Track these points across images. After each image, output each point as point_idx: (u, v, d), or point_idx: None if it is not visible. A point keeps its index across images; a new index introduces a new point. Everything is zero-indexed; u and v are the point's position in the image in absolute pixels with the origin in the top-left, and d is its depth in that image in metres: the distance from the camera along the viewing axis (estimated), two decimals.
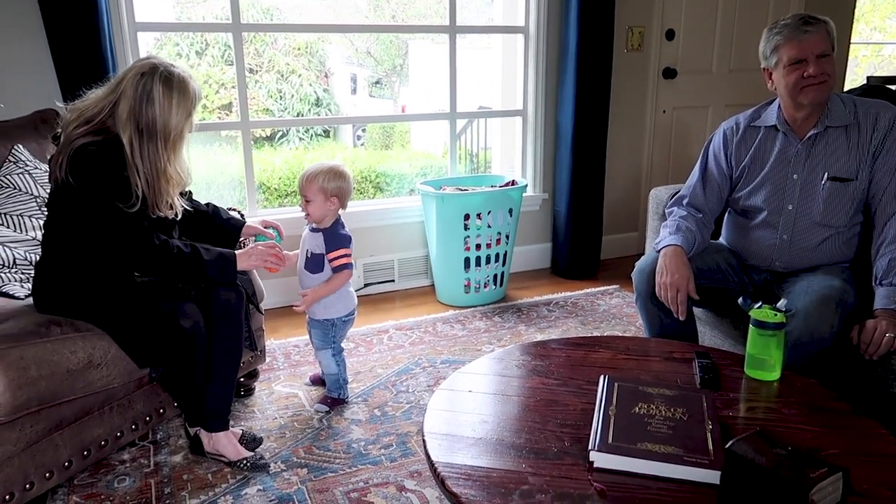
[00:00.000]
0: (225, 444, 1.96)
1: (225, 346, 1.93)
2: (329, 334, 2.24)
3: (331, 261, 2.15)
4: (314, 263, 2.17)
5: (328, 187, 2.12)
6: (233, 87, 2.80)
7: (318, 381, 2.43)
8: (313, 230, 2.19)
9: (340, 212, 2.21)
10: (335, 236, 2.16)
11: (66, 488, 1.86)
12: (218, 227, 2.12)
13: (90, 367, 1.74)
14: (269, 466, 1.95)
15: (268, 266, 1.99)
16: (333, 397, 2.29)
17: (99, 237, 1.77)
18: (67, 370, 1.69)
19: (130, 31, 2.79)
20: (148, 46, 9.87)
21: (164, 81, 1.76)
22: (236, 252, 1.95)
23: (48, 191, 1.87)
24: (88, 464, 1.86)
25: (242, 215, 2.82)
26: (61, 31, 2.52)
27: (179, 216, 1.91)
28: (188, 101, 1.81)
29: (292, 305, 2.18)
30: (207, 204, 2.15)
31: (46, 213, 1.88)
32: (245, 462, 1.94)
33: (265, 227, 2.20)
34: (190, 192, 2.11)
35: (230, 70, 9.21)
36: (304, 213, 2.18)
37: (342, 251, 2.15)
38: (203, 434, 1.98)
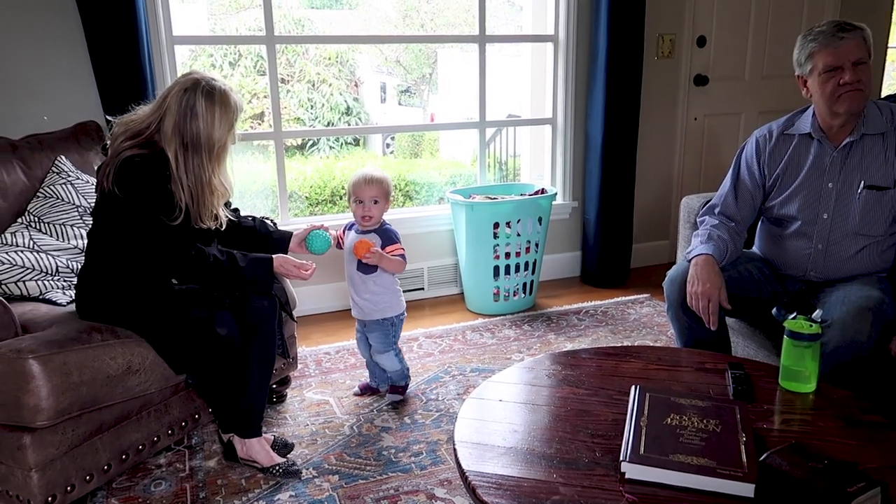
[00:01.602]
0: (258, 450, 1.99)
1: (259, 353, 1.96)
2: (389, 335, 2.32)
3: (392, 254, 2.22)
4: (366, 265, 2.23)
5: (389, 189, 2.24)
6: (265, 96, 2.87)
7: (367, 390, 2.46)
8: (362, 233, 2.25)
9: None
10: (390, 233, 2.26)
11: (104, 491, 1.91)
12: (266, 240, 2.16)
13: (129, 373, 1.79)
14: (302, 473, 1.98)
15: (298, 275, 2.02)
16: (402, 386, 2.41)
17: (138, 246, 1.82)
18: (107, 376, 1.74)
19: (168, 44, 2.87)
20: (183, 58, 10.10)
21: (207, 95, 1.82)
22: (273, 256, 1.98)
23: (91, 200, 1.93)
24: (126, 467, 1.91)
25: (275, 223, 2.87)
26: (102, 44, 2.60)
27: (224, 227, 1.95)
28: (230, 114, 1.86)
29: (366, 256, 2.17)
30: (253, 218, 2.20)
31: (91, 222, 1.94)
32: (277, 468, 1.97)
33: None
34: (237, 210, 2.16)
35: (262, 80, 9.36)
36: (362, 217, 2.22)
37: (399, 245, 2.26)
38: (236, 440, 2.01)
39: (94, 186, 2.05)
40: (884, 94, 4.40)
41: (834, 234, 1.96)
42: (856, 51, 1.82)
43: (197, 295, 1.95)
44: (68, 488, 1.73)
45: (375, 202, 2.20)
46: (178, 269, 1.87)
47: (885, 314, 1.78)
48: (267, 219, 2.36)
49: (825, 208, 1.96)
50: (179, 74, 2.94)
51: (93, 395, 1.71)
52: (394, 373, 2.38)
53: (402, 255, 2.25)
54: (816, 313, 1.60)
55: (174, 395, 1.99)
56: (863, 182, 1.90)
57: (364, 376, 2.54)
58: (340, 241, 2.31)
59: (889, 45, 4.43)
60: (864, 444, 1.35)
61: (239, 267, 1.90)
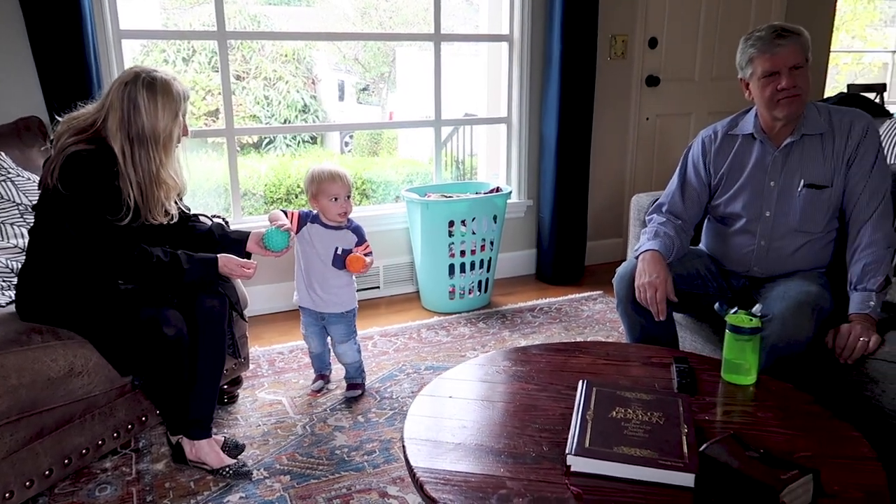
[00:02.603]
0: (207, 451, 1.96)
1: (208, 353, 1.93)
2: (351, 325, 2.36)
3: (364, 252, 2.29)
4: (342, 258, 2.26)
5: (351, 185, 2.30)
6: (219, 93, 2.81)
7: (320, 379, 2.50)
8: (335, 228, 2.28)
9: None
10: (360, 231, 2.33)
11: (46, 497, 1.86)
12: (223, 242, 2.13)
13: (71, 375, 1.74)
14: (252, 474, 1.96)
15: (241, 273, 1.99)
16: (360, 382, 2.44)
17: (81, 245, 1.78)
18: (48, 378, 1.69)
19: (115, 38, 2.79)
20: (133, 53, 9.84)
21: (148, 87, 1.80)
22: (218, 256, 1.95)
23: (32, 198, 1.88)
24: (69, 472, 1.86)
25: (227, 222, 2.83)
26: (45, 38, 2.52)
27: (175, 219, 1.94)
28: (174, 103, 1.84)
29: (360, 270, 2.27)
30: (211, 218, 2.17)
31: (33, 219, 1.88)
32: (227, 470, 1.94)
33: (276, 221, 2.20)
34: (195, 217, 2.14)
35: (217, 76, 9.19)
36: (340, 214, 2.26)
37: (368, 243, 2.34)
38: (185, 442, 1.97)
39: (36, 184, 1.99)
40: (826, 95, 4.55)
41: (776, 232, 2.02)
42: (792, 56, 1.87)
43: (143, 294, 1.91)
44: (7, 495, 1.68)
45: (348, 197, 2.26)
46: (120, 269, 1.83)
47: (824, 309, 1.84)
48: (217, 216, 2.33)
49: (767, 206, 2.02)
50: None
51: (32, 399, 1.66)
52: (352, 365, 2.41)
53: (371, 252, 2.32)
54: (756, 308, 1.64)
55: (120, 397, 1.94)
56: (803, 181, 1.97)
57: (313, 377, 2.53)
58: (293, 228, 2.27)
59: (831, 48, 4.58)
60: (800, 433, 1.40)
61: (182, 268, 1.87)
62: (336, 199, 2.23)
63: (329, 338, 2.42)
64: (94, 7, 2.63)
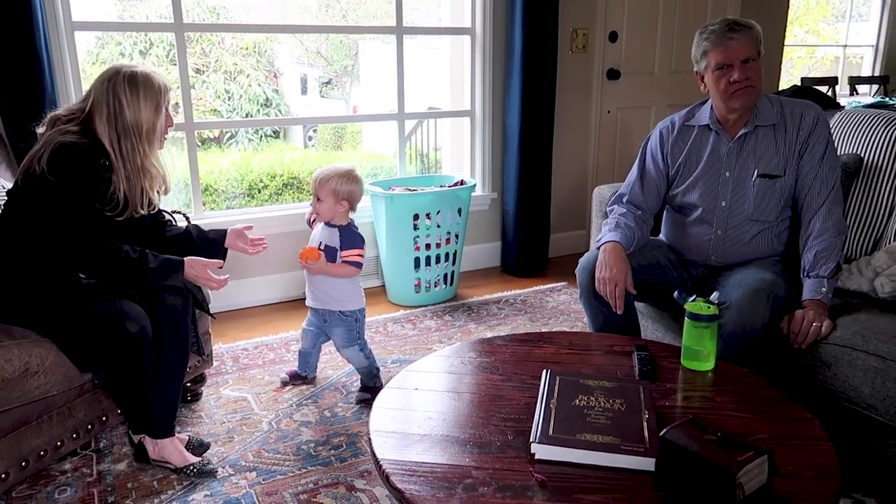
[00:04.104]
0: (171, 450, 1.93)
1: (171, 350, 1.90)
2: (353, 330, 2.30)
3: (344, 258, 2.23)
4: (327, 255, 2.22)
5: (340, 190, 2.21)
6: (178, 87, 2.75)
7: (294, 378, 2.47)
8: (329, 226, 2.26)
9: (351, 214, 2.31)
10: (351, 236, 2.25)
11: (3, 500, 1.81)
12: (201, 242, 2.14)
13: (27, 375, 1.70)
14: (217, 472, 1.93)
15: (207, 284, 1.99)
16: (373, 386, 2.35)
17: (51, 231, 1.77)
18: (2, 379, 1.64)
19: (67, 30, 2.72)
20: (88, 46, 9.60)
21: (129, 81, 1.85)
22: (185, 259, 1.93)
23: None
24: (27, 475, 1.81)
25: (188, 218, 2.79)
26: None
27: (157, 209, 1.99)
28: (155, 94, 1.88)
29: (302, 264, 2.21)
30: (188, 226, 2.18)
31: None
32: (192, 468, 1.92)
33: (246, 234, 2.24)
34: (170, 221, 2.15)
35: (175, 70, 9.02)
36: (313, 212, 2.29)
37: (356, 250, 2.24)
38: (148, 441, 1.94)
39: None
40: (780, 88, 4.66)
41: (732, 221, 2.07)
42: (744, 50, 1.92)
43: (103, 289, 1.87)
44: None
45: (319, 200, 2.23)
46: (87, 260, 1.81)
47: (779, 296, 1.90)
48: (178, 212, 2.29)
49: (723, 196, 2.07)
50: (81, 62, 2.80)
51: None
52: (362, 369, 2.35)
53: (355, 262, 2.23)
54: (714, 295, 1.69)
55: (79, 397, 1.90)
56: (756, 171, 2.02)
57: (289, 368, 2.52)
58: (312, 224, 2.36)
59: (785, 42, 4.70)
60: (756, 416, 1.44)
61: (147, 267, 1.85)
62: (317, 198, 2.24)
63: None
64: None
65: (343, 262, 2.23)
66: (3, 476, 1.72)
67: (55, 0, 2.65)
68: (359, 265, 2.24)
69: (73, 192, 1.77)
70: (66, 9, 2.71)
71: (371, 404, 2.21)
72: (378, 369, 2.38)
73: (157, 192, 1.97)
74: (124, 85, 1.83)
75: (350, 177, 2.23)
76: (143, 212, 1.90)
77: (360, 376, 2.39)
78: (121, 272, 1.83)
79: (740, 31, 1.92)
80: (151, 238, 2.03)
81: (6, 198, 1.89)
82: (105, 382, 1.92)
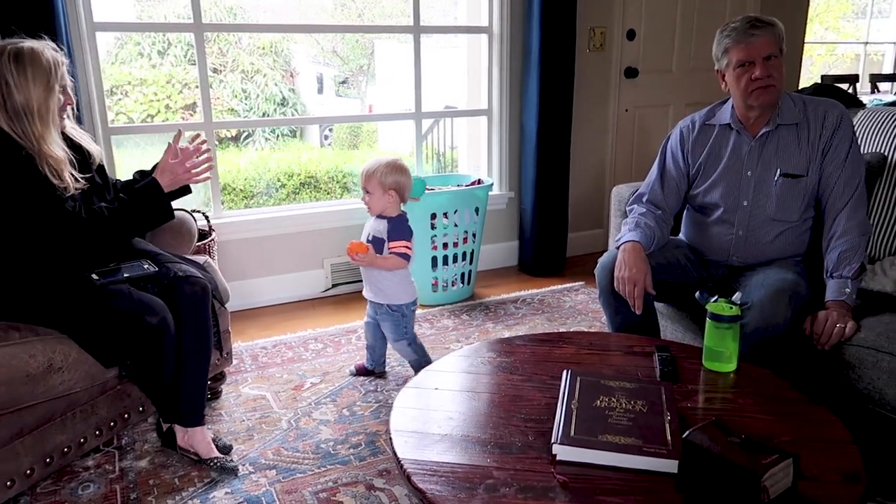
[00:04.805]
0: (200, 439, 1.96)
1: (194, 339, 1.93)
2: (400, 325, 2.31)
3: (392, 249, 2.24)
4: (374, 246, 2.24)
5: (386, 182, 2.23)
6: (196, 86, 2.77)
7: (362, 371, 2.50)
8: (379, 217, 2.29)
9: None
10: (399, 228, 2.26)
11: (28, 496, 1.84)
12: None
13: (51, 371, 1.72)
14: (238, 470, 1.95)
15: (196, 175, 1.95)
16: None
17: (31, 230, 1.77)
18: (27, 375, 1.67)
19: (89, 30, 2.75)
20: (108, 46, 9.69)
21: (14, 59, 1.75)
22: (153, 177, 1.93)
23: None
24: (51, 471, 1.84)
25: (207, 217, 2.81)
26: (15, 29, 2.46)
27: (83, 188, 1.88)
28: (43, 72, 1.78)
29: (351, 258, 2.20)
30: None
31: None
32: (215, 461, 1.93)
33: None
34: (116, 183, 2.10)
35: (193, 70, 9.07)
36: (366, 207, 2.29)
37: (404, 242, 2.25)
38: (178, 428, 1.98)
39: None
40: (801, 86, 4.61)
41: (753, 221, 2.05)
42: (766, 47, 1.90)
43: (123, 286, 1.89)
44: None
45: (368, 194, 2.25)
46: (79, 236, 1.80)
47: (801, 296, 1.88)
48: (196, 211, 2.31)
49: (745, 196, 2.05)
50: (102, 63, 2.83)
51: (11, 396, 1.64)
52: (412, 363, 2.38)
53: (403, 254, 2.24)
54: (736, 296, 1.67)
55: (102, 394, 1.92)
56: (779, 170, 2.00)
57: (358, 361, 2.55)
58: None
59: (805, 39, 4.65)
60: (779, 418, 1.43)
61: (132, 204, 1.86)
62: (366, 192, 2.27)
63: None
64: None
65: (390, 253, 2.23)
66: (28, 472, 1.75)
67: (77, 1, 2.68)
68: (406, 257, 2.25)
69: (20, 195, 1.73)
70: (88, 10, 2.73)
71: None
72: (429, 362, 2.33)
73: (72, 173, 1.84)
74: (10, 64, 1.73)
75: (395, 167, 2.25)
76: (74, 189, 1.81)
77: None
78: (114, 228, 1.83)
79: (762, 29, 1.90)
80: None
81: None
82: (132, 374, 1.93)
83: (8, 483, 1.70)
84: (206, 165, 1.98)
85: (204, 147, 2.03)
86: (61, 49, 1.87)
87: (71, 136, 1.97)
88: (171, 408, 1.97)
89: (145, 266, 1.94)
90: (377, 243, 2.25)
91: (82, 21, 2.71)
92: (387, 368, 2.55)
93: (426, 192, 3.15)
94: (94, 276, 1.85)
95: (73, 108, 1.96)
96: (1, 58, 1.74)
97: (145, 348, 1.83)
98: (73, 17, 2.66)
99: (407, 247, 2.25)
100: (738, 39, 1.92)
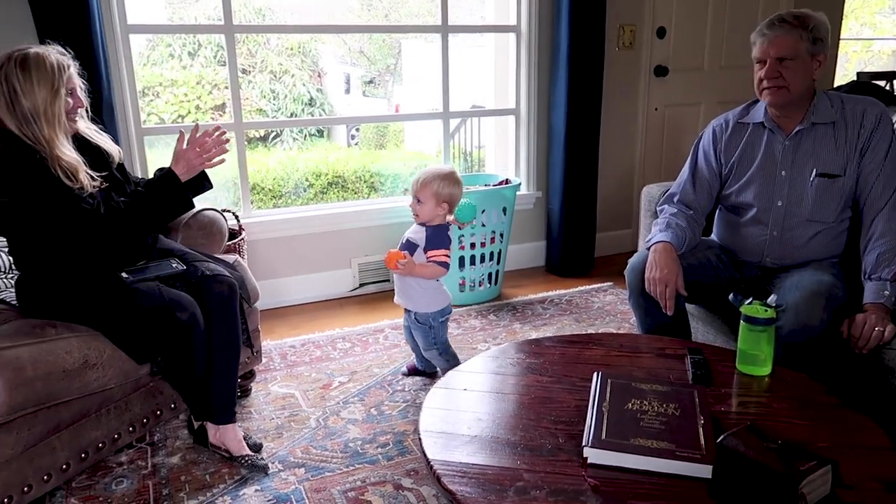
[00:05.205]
0: (231, 437, 1.98)
1: (223, 337, 1.95)
2: (429, 335, 2.27)
3: (430, 258, 2.18)
4: (405, 248, 2.21)
5: (442, 193, 2.17)
6: (226, 87, 2.82)
7: (413, 371, 2.50)
8: (420, 224, 2.24)
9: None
10: (439, 237, 2.20)
11: (63, 491, 1.87)
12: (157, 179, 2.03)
13: (86, 367, 1.75)
14: (268, 468, 1.96)
15: (209, 159, 1.94)
16: None
17: (53, 231, 1.80)
18: (63, 370, 1.70)
19: (122, 33, 2.79)
20: (139, 48, 9.85)
21: (20, 65, 1.77)
22: (169, 166, 1.93)
23: None
24: (86, 466, 1.87)
25: (237, 216, 2.84)
26: (53, 32, 2.50)
27: (102, 185, 1.90)
28: (49, 76, 1.79)
29: (391, 266, 2.15)
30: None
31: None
32: (246, 459, 1.95)
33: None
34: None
35: (223, 70, 9.19)
36: (413, 213, 2.23)
37: (443, 251, 2.19)
38: (209, 426, 2.00)
39: None
40: (836, 83, 4.52)
41: (788, 221, 2.01)
42: (781, 47, 1.86)
43: (150, 286, 1.92)
44: (25, 489, 1.69)
45: (419, 202, 2.19)
46: (102, 231, 1.82)
47: (837, 298, 1.84)
48: (227, 211, 2.33)
49: (779, 196, 2.01)
50: (134, 65, 2.88)
51: (48, 391, 1.67)
52: (444, 369, 2.30)
53: (442, 262, 2.18)
54: (771, 298, 1.64)
55: (135, 391, 1.95)
56: (815, 170, 1.96)
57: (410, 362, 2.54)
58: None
59: (841, 36, 4.55)
60: (816, 424, 1.40)
61: (148, 194, 1.88)
62: (417, 200, 2.21)
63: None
64: (101, 2, 2.63)
65: (428, 261, 2.18)
66: (63, 466, 1.78)
67: (111, 4, 2.72)
68: (445, 265, 2.19)
69: (41, 200, 1.76)
70: (122, 12, 2.78)
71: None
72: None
73: (88, 173, 1.86)
74: (16, 70, 1.76)
75: (452, 179, 2.20)
76: (91, 187, 1.83)
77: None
78: (132, 222, 1.86)
79: (781, 27, 1.86)
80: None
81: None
82: (163, 370, 1.95)
83: (45, 477, 1.74)
84: (217, 149, 1.96)
85: (223, 138, 2.00)
86: (68, 52, 1.90)
87: (88, 137, 1.99)
88: (202, 405, 1.99)
89: (173, 265, 1.97)
90: (409, 246, 2.21)
91: (116, 23, 2.76)
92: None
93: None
94: (124, 275, 1.89)
95: (86, 110, 1.97)
96: (7, 64, 1.77)
97: (176, 344, 1.86)
98: (107, 19, 2.71)
99: (446, 255, 2.20)
100: (758, 35, 1.92)
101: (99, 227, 1.82)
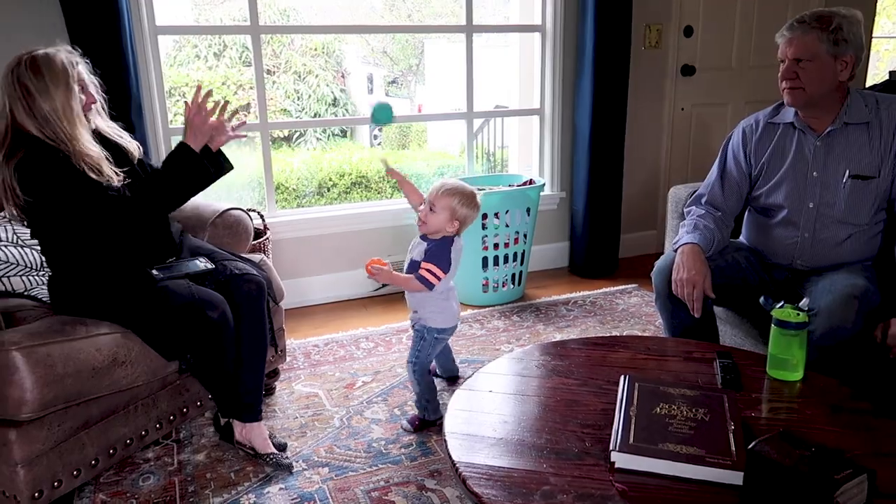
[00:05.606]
0: (257, 434, 2.00)
1: (251, 335, 1.97)
2: (416, 346, 2.15)
3: (420, 269, 2.06)
4: (410, 270, 2.11)
5: (459, 211, 2.05)
6: (251, 87, 2.84)
7: (434, 374, 2.42)
8: (423, 238, 2.12)
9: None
10: (437, 255, 2.06)
11: (92, 486, 1.90)
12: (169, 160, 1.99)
13: (115, 364, 1.77)
14: (293, 467, 1.97)
15: (202, 120, 1.89)
16: (417, 416, 2.19)
17: (85, 225, 1.82)
18: (93, 368, 1.72)
19: (151, 34, 2.83)
20: (166, 49, 9.98)
21: (31, 67, 1.79)
22: (183, 141, 1.91)
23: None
24: (114, 462, 1.89)
25: (262, 216, 2.85)
26: (84, 34, 2.55)
27: (126, 180, 1.91)
28: (59, 74, 1.81)
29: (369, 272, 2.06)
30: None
31: (30, 235, 1.93)
32: (271, 457, 1.97)
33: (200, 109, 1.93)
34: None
35: (248, 71, 9.28)
36: (418, 220, 2.11)
37: (434, 269, 2.04)
38: (236, 423, 2.02)
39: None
40: (868, 82, 4.43)
41: (820, 223, 1.97)
42: (798, 48, 1.84)
43: (180, 284, 1.93)
44: (55, 483, 1.72)
45: (432, 211, 2.06)
46: (131, 215, 1.85)
47: (871, 302, 1.80)
48: (252, 210, 2.34)
49: (811, 197, 1.97)
50: (163, 65, 2.91)
51: (78, 388, 1.69)
52: (414, 391, 2.19)
53: (423, 278, 2.03)
54: (804, 302, 1.61)
55: (162, 389, 1.97)
56: (848, 171, 1.92)
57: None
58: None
59: (873, 34, 4.46)
60: (850, 431, 1.36)
61: (166, 170, 1.87)
62: (430, 208, 2.08)
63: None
64: (130, 3, 2.67)
65: (415, 273, 2.06)
66: (92, 462, 1.81)
67: (140, 6, 2.76)
68: (425, 281, 2.03)
69: (71, 200, 1.79)
70: (151, 14, 2.81)
71: (414, 433, 2.12)
72: (428, 403, 2.17)
73: (112, 167, 1.88)
74: (28, 72, 1.78)
75: (473, 202, 2.08)
76: (116, 182, 1.86)
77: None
78: (158, 202, 1.87)
79: (801, 27, 1.84)
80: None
81: (32, 236, 1.94)
82: (192, 367, 1.96)
83: (74, 473, 1.76)
84: (216, 115, 1.92)
85: (218, 100, 1.96)
86: (76, 50, 1.92)
87: (106, 135, 2.01)
88: (229, 403, 2.00)
89: (201, 264, 1.99)
90: (413, 267, 2.09)
91: (145, 25, 2.79)
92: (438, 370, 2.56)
93: (480, 192, 3.13)
94: (154, 272, 1.90)
95: (102, 106, 1.98)
96: (19, 68, 1.80)
97: (206, 342, 1.87)
98: (136, 21, 2.74)
99: (433, 273, 2.03)
100: (779, 36, 1.90)
101: (127, 211, 1.84)
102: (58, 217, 1.84)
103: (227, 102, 1.99)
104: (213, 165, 1.95)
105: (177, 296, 1.86)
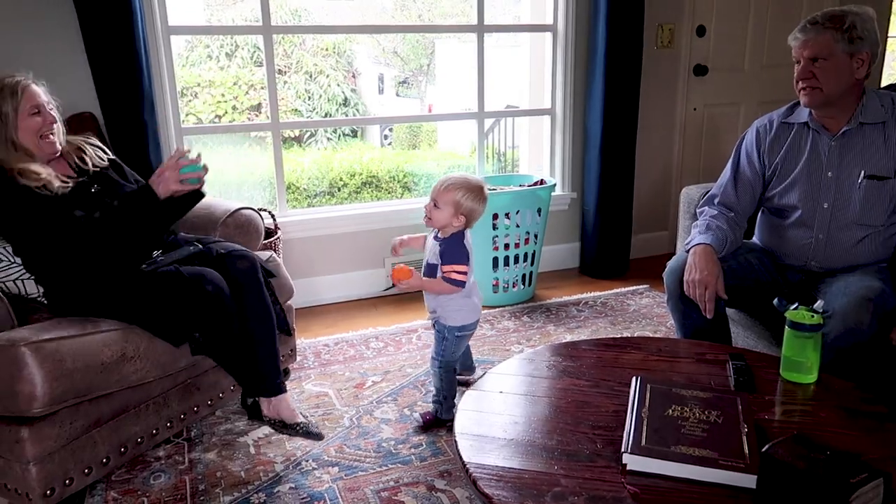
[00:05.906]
0: (284, 406, 2.03)
1: (256, 307, 2.00)
2: (439, 345, 2.13)
3: (443, 273, 2.03)
4: (428, 272, 2.09)
5: (464, 204, 2.01)
6: (262, 87, 2.85)
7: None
8: (436, 238, 2.09)
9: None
10: (453, 251, 2.03)
11: (103, 484, 1.91)
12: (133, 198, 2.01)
13: (124, 360, 1.78)
14: (323, 435, 2.02)
15: (182, 186, 1.90)
16: (430, 413, 2.18)
17: (48, 240, 1.86)
18: (101, 363, 1.73)
19: (164, 34, 2.84)
20: (178, 49, 10.04)
21: None
22: (151, 181, 1.90)
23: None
24: (125, 460, 1.90)
25: (273, 215, 2.86)
26: (97, 34, 2.57)
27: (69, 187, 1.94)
28: (4, 100, 1.87)
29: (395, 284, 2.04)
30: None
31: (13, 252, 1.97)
32: (300, 426, 2.01)
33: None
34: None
35: (259, 71, 9.31)
36: (424, 216, 2.07)
37: (457, 267, 2.02)
38: (262, 400, 2.04)
39: None
40: (883, 83, 4.38)
41: (834, 224, 1.95)
42: (813, 47, 1.83)
43: (170, 268, 1.95)
44: (67, 481, 1.73)
45: (436, 207, 2.03)
46: (89, 242, 1.87)
47: (886, 304, 1.78)
48: (263, 210, 2.35)
49: (825, 198, 1.95)
50: (175, 65, 2.92)
51: (87, 383, 1.70)
52: (435, 387, 2.17)
53: (452, 279, 2.01)
54: (818, 304, 1.59)
55: (173, 388, 1.98)
56: (863, 172, 1.90)
57: None
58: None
59: (889, 34, 4.41)
60: (865, 434, 1.35)
61: (129, 209, 1.88)
62: (434, 204, 2.05)
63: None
64: (143, 3, 2.68)
65: (443, 277, 2.03)
66: (104, 460, 1.81)
67: (153, 6, 2.77)
68: (456, 283, 2.01)
69: (24, 216, 1.83)
70: (164, 14, 2.82)
71: (425, 432, 2.12)
72: (445, 401, 2.16)
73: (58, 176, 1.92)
74: None
75: (479, 194, 2.03)
76: (62, 189, 1.89)
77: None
78: (116, 231, 1.88)
79: (815, 29, 1.82)
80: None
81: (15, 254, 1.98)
82: (203, 346, 1.95)
83: (85, 470, 1.77)
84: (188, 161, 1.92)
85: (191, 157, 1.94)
86: (26, 74, 1.95)
87: (69, 150, 2.06)
88: (250, 379, 2.03)
89: (189, 248, 2.05)
90: (431, 269, 2.08)
91: (158, 25, 2.80)
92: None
93: (490, 192, 3.13)
94: (143, 267, 1.95)
95: (58, 125, 2.00)
96: None
97: (209, 314, 1.89)
98: (149, 21, 2.75)
99: (459, 272, 2.01)
100: (792, 38, 1.89)
101: (91, 235, 1.86)
102: (22, 236, 1.88)
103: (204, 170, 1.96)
104: (184, 199, 1.97)
105: (169, 278, 1.89)
